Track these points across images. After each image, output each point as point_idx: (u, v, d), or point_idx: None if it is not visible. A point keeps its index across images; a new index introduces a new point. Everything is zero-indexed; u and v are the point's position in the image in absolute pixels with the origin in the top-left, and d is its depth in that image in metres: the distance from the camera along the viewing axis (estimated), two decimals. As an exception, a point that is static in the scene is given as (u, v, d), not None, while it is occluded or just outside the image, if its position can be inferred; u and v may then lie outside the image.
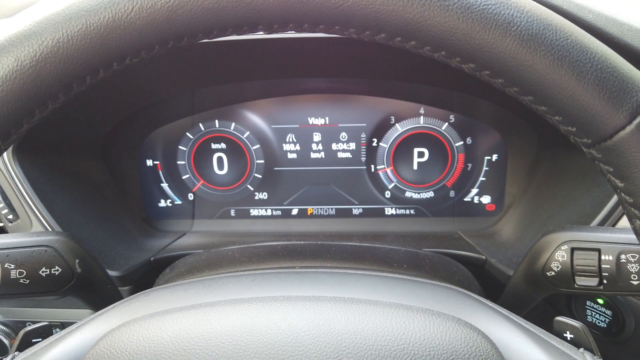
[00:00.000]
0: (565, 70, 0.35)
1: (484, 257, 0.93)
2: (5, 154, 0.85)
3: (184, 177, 1.15)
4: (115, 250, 0.95)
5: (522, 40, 0.35)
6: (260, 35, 0.83)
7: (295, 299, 0.48)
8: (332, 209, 1.14)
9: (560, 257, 0.68)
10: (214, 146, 1.13)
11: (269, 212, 1.15)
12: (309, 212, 1.14)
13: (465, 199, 1.12)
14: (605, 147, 0.36)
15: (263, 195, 1.15)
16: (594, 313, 0.83)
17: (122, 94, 1.02)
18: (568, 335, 0.59)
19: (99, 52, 0.35)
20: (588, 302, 0.84)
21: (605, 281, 0.65)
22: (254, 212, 1.16)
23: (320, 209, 1.14)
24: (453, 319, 0.47)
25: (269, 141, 1.12)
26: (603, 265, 0.64)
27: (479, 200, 1.12)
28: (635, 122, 0.34)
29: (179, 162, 1.14)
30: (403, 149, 1.11)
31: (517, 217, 1.04)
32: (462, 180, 1.11)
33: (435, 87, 1.07)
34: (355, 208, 1.14)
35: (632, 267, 0.63)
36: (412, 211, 1.13)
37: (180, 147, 1.14)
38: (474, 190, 1.12)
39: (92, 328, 0.48)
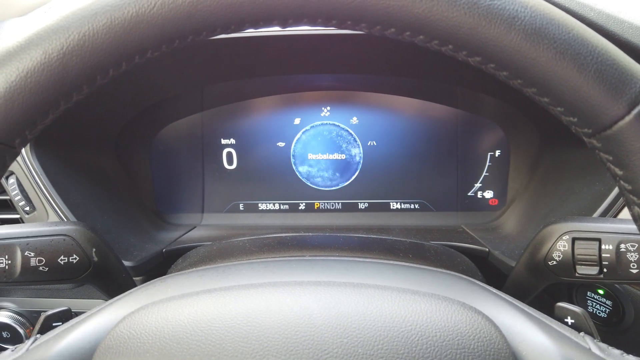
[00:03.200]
0: (567, 62, 0.36)
1: (487, 249, 0.95)
2: (22, 149, 0.87)
3: (194, 172, 1.17)
4: (128, 242, 0.97)
5: (526, 35, 0.36)
6: (269, 31, 0.86)
7: (306, 284, 0.50)
8: (338, 203, 1.17)
9: (561, 246, 0.70)
10: (223, 142, 1.16)
11: (276, 206, 1.18)
12: (316, 206, 1.17)
13: (469, 194, 1.14)
14: (605, 136, 0.38)
15: (271, 190, 1.17)
16: (594, 303, 0.85)
17: (134, 91, 1.05)
18: (569, 320, 0.61)
19: (122, 46, 0.37)
20: (589, 293, 0.86)
21: (605, 270, 0.67)
22: (262, 206, 1.18)
23: (327, 203, 1.16)
24: (458, 303, 0.48)
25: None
26: (603, 255, 0.66)
27: (482, 195, 1.14)
28: (634, 112, 0.36)
29: (188, 157, 1.17)
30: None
31: (519, 211, 1.06)
32: (465, 175, 1.13)
33: (440, 83, 1.09)
34: (361, 202, 1.16)
35: (632, 256, 0.65)
36: (416, 205, 1.15)
37: (190, 142, 1.16)
38: (477, 185, 1.14)
39: (112, 311, 0.50)
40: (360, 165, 1.15)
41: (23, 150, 0.88)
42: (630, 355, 0.49)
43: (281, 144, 1.16)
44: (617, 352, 0.49)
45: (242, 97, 1.14)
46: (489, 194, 1.14)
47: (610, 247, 0.66)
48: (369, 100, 1.14)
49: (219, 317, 0.44)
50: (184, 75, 1.06)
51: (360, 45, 0.91)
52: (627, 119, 0.36)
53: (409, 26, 0.38)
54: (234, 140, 1.16)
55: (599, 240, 0.67)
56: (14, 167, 0.89)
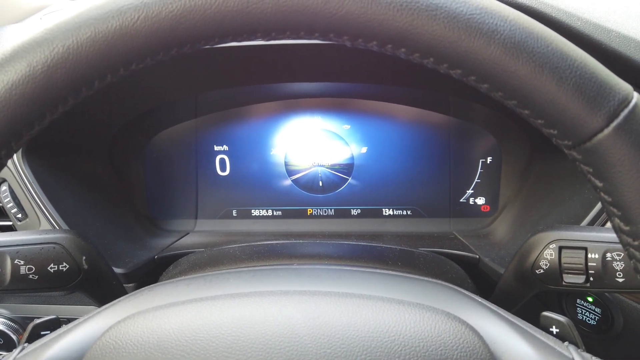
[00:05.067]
0: (546, 76, 0.37)
1: (477, 256, 0.95)
2: (15, 156, 0.88)
3: (187, 178, 1.18)
4: (120, 249, 0.97)
5: (505, 48, 0.37)
6: (261, 41, 0.86)
7: (291, 293, 0.51)
8: (331, 209, 1.17)
9: (548, 255, 0.70)
10: (216, 148, 1.16)
11: (269, 213, 1.18)
12: (308, 213, 1.17)
13: (461, 200, 1.15)
14: (585, 148, 0.38)
15: (264, 196, 1.18)
16: (584, 311, 0.86)
17: (127, 98, 1.05)
18: (554, 329, 0.62)
19: (106, 58, 0.37)
20: (578, 300, 0.86)
21: (591, 278, 0.67)
22: (255, 212, 1.18)
23: (320, 209, 1.17)
24: (442, 313, 0.49)
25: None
26: (589, 263, 0.67)
27: (474, 202, 1.15)
28: (613, 125, 0.36)
29: (182, 164, 1.17)
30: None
31: (510, 218, 1.06)
32: (457, 182, 1.14)
33: (432, 91, 1.10)
34: (353, 209, 1.17)
35: (617, 264, 0.65)
36: (408, 212, 1.16)
37: (183, 149, 1.17)
38: (469, 192, 1.14)
39: (98, 321, 0.51)
40: (353, 172, 1.16)
41: (15, 158, 0.88)
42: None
43: (274, 151, 1.16)
44: None
45: (235, 105, 1.15)
46: (480, 201, 1.14)
47: (597, 255, 0.66)
48: (362, 108, 1.14)
49: (204, 327, 0.44)
50: (178, 82, 1.06)
51: (353, 54, 0.92)
52: (606, 131, 0.36)
53: (390, 39, 0.38)
54: (227, 147, 1.17)
55: (586, 249, 0.67)
56: (6, 174, 0.90)
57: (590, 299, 0.84)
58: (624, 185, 0.38)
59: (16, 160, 0.89)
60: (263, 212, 1.19)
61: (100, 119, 1.05)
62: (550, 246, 0.70)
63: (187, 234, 1.16)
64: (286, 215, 1.18)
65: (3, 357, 0.49)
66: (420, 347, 0.44)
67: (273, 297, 0.50)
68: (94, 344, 0.46)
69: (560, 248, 0.69)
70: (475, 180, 1.14)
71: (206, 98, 1.14)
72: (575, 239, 0.68)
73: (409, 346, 0.44)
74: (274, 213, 1.18)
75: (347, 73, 1.05)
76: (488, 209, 1.14)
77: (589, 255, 0.67)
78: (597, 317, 0.84)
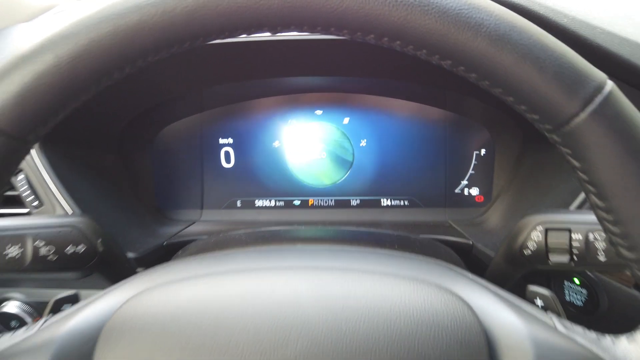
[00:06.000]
0: (528, 65, 0.41)
1: (471, 242, 1.00)
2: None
3: (193, 170, 1.22)
4: (131, 235, 1.02)
5: (491, 40, 0.41)
6: (265, 37, 0.91)
7: (296, 268, 0.55)
8: (331, 200, 1.22)
9: (535, 237, 0.75)
10: (221, 141, 1.21)
11: (272, 203, 1.23)
12: (310, 203, 1.22)
13: (456, 191, 1.19)
14: (564, 132, 0.42)
15: (267, 187, 1.23)
16: (571, 292, 0.91)
17: (135, 93, 1.10)
18: (539, 302, 0.66)
19: (125, 51, 0.41)
20: (565, 283, 0.91)
21: (575, 258, 0.72)
22: (258, 202, 1.23)
23: (321, 200, 1.22)
24: (435, 285, 0.53)
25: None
26: (573, 244, 0.71)
27: (469, 192, 1.19)
28: (588, 109, 0.40)
29: (188, 156, 1.22)
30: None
31: (503, 207, 1.11)
32: (453, 173, 1.19)
33: (429, 86, 1.14)
34: (353, 199, 1.21)
35: (599, 244, 0.70)
36: (406, 202, 1.20)
37: (189, 142, 1.21)
38: (464, 183, 1.19)
39: (117, 294, 0.54)
40: (353, 164, 1.20)
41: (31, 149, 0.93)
42: (592, 331, 0.53)
43: (277, 144, 1.21)
44: (579, 329, 0.53)
45: (239, 99, 1.19)
46: (474, 191, 1.19)
47: (580, 236, 0.71)
48: (361, 102, 1.19)
49: (215, 298, 0.49)
50: (184, 78, 1.11)
51: (353, 49, 0.96)
52: (582, 116, 0.41)
53: (386, 33, 0.43)
54: (232, 140, 1.21)
55: (570, 231, 0.72)
56: (22, 164, 0.94)
57: (577, 281, 0.89)
58: (598, 165, 0.42)
59: (32, 151, 0.93)
60: (266, 203, 1.23)
61: (110, 113, 1.10)
62: (537, 228, 0.74)
63: (194, 223, 1.20)
64: (288, 205, 1.23)
65: (28, 327, 0.52)
66: (415, 314, 0.48)
67: (279, 272, 0.54)
68: (113, 314, 0.49)
69: (547, 230, 0.74)
70: (470, 171, 1.18)
71: (212, 93, 1.18)
72: (560, 221, 0.73)
73: (404, 313, 0.48)
74: (277, 203, 1.23)
75: (347, 67, 1.09)
76: (482, 199, 1.19)
77: (573, 236, 0.71)
78: (583, 298, 0.88)
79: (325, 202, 1.22)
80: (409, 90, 1.15)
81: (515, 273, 0.81)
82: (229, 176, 1.23)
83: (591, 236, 0.70)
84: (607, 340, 0.48)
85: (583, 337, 0.49)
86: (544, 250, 0.74)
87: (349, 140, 1.20)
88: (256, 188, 1.23)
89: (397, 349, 0.44)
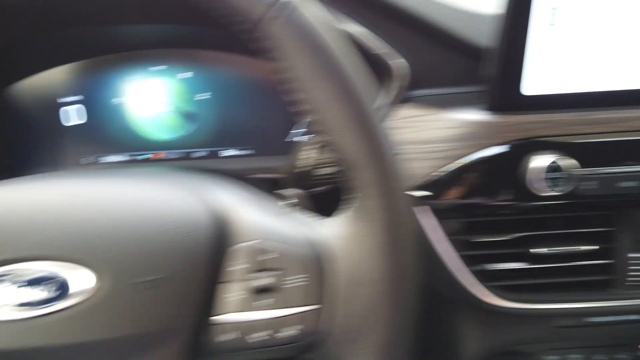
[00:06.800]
0: None
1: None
2: None
3: (44, 129, 1.24)
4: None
5: None
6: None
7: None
8: (175, 152, 1.27)
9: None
10: (63, 100, 1.24)
11: (117, 159, 1.27)
12: (152, 158, 1.26)
13: (294, 140, 1.26)
14: (258, 33, 0.52)
15: (116, 144, 1.26)
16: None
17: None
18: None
19: None
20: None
21: None
22: (110, 159, 1.27)
23: (170, 153, 1.27)
24: (178, 186, 0.59)
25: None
26: None
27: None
28: (268, 15, 0.51)
29: (39, 115, 1.24)
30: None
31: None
32: (289, 124, 1.25)
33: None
34: (196, 152, 1.27)
35: None
36: (246, 152, 1.27)
37: (38, 100, 1.23)
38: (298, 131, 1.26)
39: None
40: (195, 117, 1.25)
41: None
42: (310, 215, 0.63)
43: (122, 99, 1.24)
44: (302, 214, 0.63)
45: (80, 57, 1.22)
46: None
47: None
48: (205, 57, 1.24)
49: None
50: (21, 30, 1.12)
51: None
52: (266, 17, 0.51)
53: None
54: (81, 97, 1.24)
55: None
56: None
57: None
58: (286, 60, 0.53)
59: None
60: (117, 158, 1.27)
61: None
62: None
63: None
64: (133, 161, 1.27)
65: None
66: (146, 206, 0.56)
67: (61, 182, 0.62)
68: None
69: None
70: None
71: (49, 48, 1.20)
72: None
73: (136, 204, 0.56)
74: (121, 159, 1.27)
75: (184, 15, 1.13)
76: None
77: None
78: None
79: (169, 155, 1.26)
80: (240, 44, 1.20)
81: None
82: (80, 133, 1.25)
83: None
84: (317, 221, 0.60)
85: (299, 219, 0.60)
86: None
87: (192, 93, 1.24)
88: (106, 145, 1.26)
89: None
